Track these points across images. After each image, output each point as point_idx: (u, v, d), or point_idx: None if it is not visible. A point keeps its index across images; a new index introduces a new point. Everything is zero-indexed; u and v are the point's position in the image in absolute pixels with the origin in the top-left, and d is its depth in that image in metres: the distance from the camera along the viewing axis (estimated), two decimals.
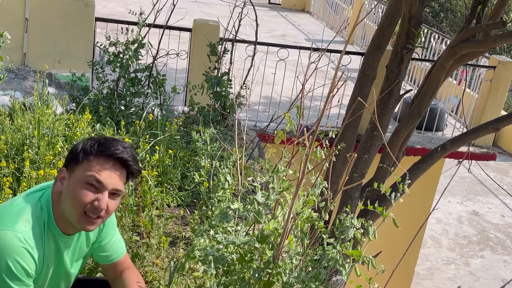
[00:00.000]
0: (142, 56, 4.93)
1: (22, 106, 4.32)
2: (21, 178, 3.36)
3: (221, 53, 5.15)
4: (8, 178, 3.19)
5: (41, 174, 3.21)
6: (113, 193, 1.86)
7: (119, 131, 4.28)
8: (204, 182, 3.49)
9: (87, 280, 2.44)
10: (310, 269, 2.24)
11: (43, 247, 1.81)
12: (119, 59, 4.84)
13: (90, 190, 1.81)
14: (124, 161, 1.86)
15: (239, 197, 2.74)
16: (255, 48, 5.47)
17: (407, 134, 5.49)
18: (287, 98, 6.99)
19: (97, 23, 6.16)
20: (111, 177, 1.83)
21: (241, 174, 2.78)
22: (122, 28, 4.99)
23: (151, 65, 5.12)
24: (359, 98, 4.30)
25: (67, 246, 1.92)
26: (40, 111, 3.97)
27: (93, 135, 4.02)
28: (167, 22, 5.34)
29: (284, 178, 2.27)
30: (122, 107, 4.83)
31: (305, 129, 2.38)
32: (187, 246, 3.28)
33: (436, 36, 8.81)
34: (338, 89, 2.23)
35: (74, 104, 4.74)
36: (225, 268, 2.18)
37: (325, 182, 2.33)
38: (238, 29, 5.24)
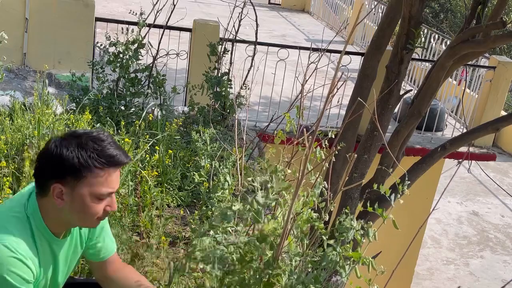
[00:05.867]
0: (142, 56, 4.93)
1: (22, 106, 4.32)
2: (21, 178, 3.36)
3: (221, 53, 5.15)
4: (8, 178, 3.19)
5: None
6: None
7: (119, 131, 4.28)
8: (204, 182, 3.50)
9: (85, 283, 2.43)
10: (310, 270, 2.24)
11: (37, 253, 1.78)
12: (119, 59, 4.84)
13: (101, 201, 1.78)
14: (124, 164, 1.82)
15: (239, 197, 2.73)
16: (255, 48, 5.46)
17: (407, 134, 5.49)
18: (287, 98, 6.99)
19: (97, 23, 6.16)
20: (117, 181, 1.81)
21: (241, 174, 2.77)
22: (122, 28, 4.99)
23: (151, 65, 5.12)
24: (359, 98, 4.30)
25: (61, 248, 1.91)
26: (40, 111, 3.97)
27: None
28: (167, 22, 5.34)
29: (283, 178, 2.27)
30: (122, 107, 4.83)
31: (305, 129, 2.37)
32: (187, 246, 3.27)
33: (436, 36, 8.80)
34: (338, 89, 2.23)
35: (74, 104, 4.74)
36: (225, 269, 2.17)
37: (325, 182, 2.33)
38: (238, 29, 5.24)
